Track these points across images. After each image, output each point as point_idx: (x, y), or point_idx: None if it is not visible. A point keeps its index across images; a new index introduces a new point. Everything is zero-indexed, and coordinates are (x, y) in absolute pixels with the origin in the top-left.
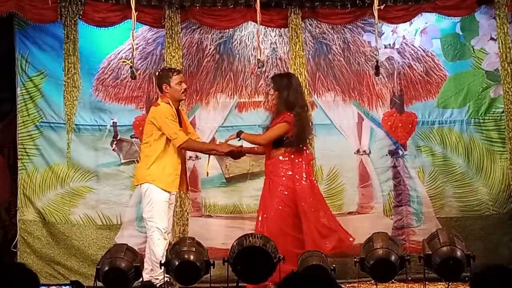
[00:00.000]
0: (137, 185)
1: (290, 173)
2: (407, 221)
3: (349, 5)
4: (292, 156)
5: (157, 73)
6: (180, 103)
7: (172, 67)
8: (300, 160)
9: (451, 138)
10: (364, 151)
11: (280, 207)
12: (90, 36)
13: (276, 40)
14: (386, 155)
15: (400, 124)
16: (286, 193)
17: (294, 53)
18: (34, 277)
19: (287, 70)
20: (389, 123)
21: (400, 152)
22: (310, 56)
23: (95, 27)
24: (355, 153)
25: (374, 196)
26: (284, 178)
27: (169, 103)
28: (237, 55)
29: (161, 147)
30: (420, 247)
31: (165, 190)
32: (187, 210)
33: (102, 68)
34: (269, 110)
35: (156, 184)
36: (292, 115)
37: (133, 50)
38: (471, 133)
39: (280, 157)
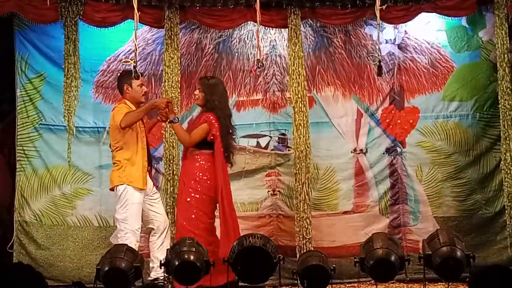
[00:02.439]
0: (112, 188)
1: (203, 176)
2: (403, 220)
3: (349, 5)
4: (206, 160)
5: (118, 74)
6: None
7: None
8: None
9: (455, 133)
10: (361, 150)
11: (189, 215)
12: (90, 38)
13: (275, 37)
14: (383, 153)
15: (399, 121)
16: (197, 196)
17: (293, 53)
18: (41, 278)
19: (286, 67)
20: (387, 120)
21: (398, 150)
22: (310, 50)
23: (95, 28)
24: (351, 152)
25: (370, 195)
26: (193, 182)
27: (125, 104)
28: (236, 54)
29: (131, 148)
30: (417, 246)
31: (141, 189)
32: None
33: (102, 71)
34: (267, 108)
35: (134, 185)
36: (214, 116)
37: (136, 49)
38: (475, 128)
39: (197, 157)
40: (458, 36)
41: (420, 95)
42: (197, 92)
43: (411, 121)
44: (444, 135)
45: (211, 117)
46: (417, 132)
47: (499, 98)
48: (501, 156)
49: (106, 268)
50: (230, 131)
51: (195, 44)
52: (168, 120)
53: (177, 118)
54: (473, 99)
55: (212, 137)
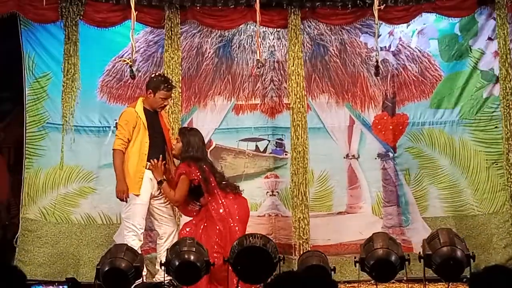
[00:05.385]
0: None
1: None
2: (395, 221)
3: (349, 6)
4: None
5: (153, 75)
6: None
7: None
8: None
9: (440, 139)
10: (353, 155)
11: None
12: (94, 38)
13: (274, 43)
14: (375, 158)
15: (391, 127)
16: None
17: (293, 54)
18: (21, 275)
19: (284, 73)
20: (379, 126)
21: (390, 154)
22: (307, 58)
23: (96, 28)
24: (344, 157)
25: (362, 196)
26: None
27: (134, 107)
28: (236, 58)
29: (129, 151)
30: (410, 246)
31: (136, 194)
32: (175, 214)
33: (107, 70)
34: (265, 112)
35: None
36: (187, 163)
37: (133, 49)
38: (460, 133)
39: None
40: (449, 44)
41: (410, 102)
42: (175, 142)
43: (400, 128)
44: (430, 141)
45: (186, 166)
46: (405, 138)
47: (501, 98)
48: (503, 156)
49: (106, 268)
50: (212, 167)
51: (195, 49)
52: (157, 180)
53: (162, 180)
54: (459, 106)
55: (197, 181)
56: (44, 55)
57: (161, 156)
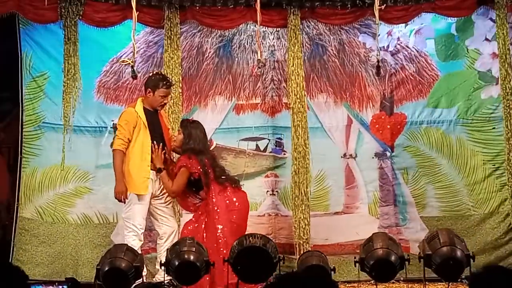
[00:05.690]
0: None
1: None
2: (393, 221)
3: (349, 5)
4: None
5: (151, 74)
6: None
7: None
8: None
9: (438, 138)
10: (351, 155)
11: None
12: (92, 39)
13: (274, 43)
14: (373, 157)
15: (388, 126)
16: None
17: (292, 54)
18: (22, 275)
19: (284, 73)
20: (377, 125)
21: (388, 154)
22: (305, 58)
23: (96, 28)
24: (342, 156)
25: (359, 196)
26: None
27: (133, 107)
28: (236, 58)
29: (130, 151)
30: (407, 245)
31: (139, 194)
32: (179, 212)
33: (104, 71)
34: (265, 112)
35: (131, 191)
36: (188, 156)
37: (134, 49)
38: (458, 133)
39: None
40: (445, 44)
41: (407, 101)
42: (176, 133)
43: (398, 127)
44: (427, 140)
45: (186, 158)
46: (403, 137)
47: (502, 98)
48: (504, 156)
49: (106, 268)
50: (213, 160)
51: (196, 48)
52: (156, 169)
53: (161, 168)
54: (456, 106)
55: (197, 174)
56: (42, 54)
57: (161, 144)
